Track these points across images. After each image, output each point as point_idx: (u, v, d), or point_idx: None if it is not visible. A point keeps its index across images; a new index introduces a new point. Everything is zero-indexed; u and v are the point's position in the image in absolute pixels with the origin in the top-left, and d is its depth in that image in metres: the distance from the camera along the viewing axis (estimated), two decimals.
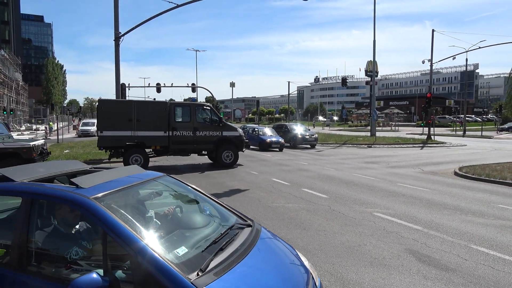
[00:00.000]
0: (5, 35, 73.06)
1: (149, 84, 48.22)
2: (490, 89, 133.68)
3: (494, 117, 72.69)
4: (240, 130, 16.78)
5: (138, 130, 14.24)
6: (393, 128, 56.80)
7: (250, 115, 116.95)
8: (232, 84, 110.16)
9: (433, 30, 27.59)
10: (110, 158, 15.04)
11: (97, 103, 15.34)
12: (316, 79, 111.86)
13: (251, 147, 25.18)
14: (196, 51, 71.33)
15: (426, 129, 42.10)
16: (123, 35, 17.22)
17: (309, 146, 25.72)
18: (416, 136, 34.04)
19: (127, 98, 27.33)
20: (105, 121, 14.12)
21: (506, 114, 53.45)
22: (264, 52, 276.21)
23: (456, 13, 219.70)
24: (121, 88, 17.73)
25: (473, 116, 78.10)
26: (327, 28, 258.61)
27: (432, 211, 8.04)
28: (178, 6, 15.46)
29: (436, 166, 15.66)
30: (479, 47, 32.92)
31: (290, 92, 65.18)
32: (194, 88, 49.65)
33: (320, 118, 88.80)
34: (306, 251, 5.52)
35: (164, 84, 45.59)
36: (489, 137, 36.86)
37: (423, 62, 28.10)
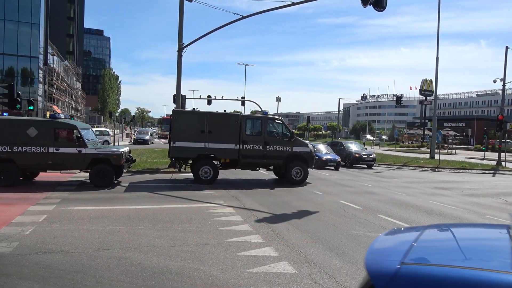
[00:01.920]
0: (69, 47, 78.08)
1: (200, 96, 49.25)
2: None
3: None
4: (311, 146, 16.12)
5: (210, 142, 13.98)
6: (449, 151, 53.47)
7: (295, 130, 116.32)
8: (278, 99, 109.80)
9: (506, 47, 25.54)
10: (180, 169, 15.03)
11: (170, 114, 15.32)
12: (364, 97, 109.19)
13: None
14: (245, 65, 71.92)
15: (487, 153, 39.32)
16: (186, 46, 17.27)
17: (365, 166, 24.43)
18: (476, 161, 31.50)
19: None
20: (178, 132, 13.96)
21: None
22: (309, 69, 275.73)
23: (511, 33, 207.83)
24: (181, 99, 17.68)
25: None
26: (374, 45, 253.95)
27: None
28: (243, 17, 15.25)
29: None
30: None
31: (334, 110, 63.81)
32: (243, 101, 49.79)
33: (368, 136, 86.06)
34: None
35: (215, 96, 46.10)
36: None
37: (495, 81, 26.04)
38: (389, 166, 25.48)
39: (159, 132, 71.18)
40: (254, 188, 13.61)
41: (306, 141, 17.04)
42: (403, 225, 8.62)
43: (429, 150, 33.71)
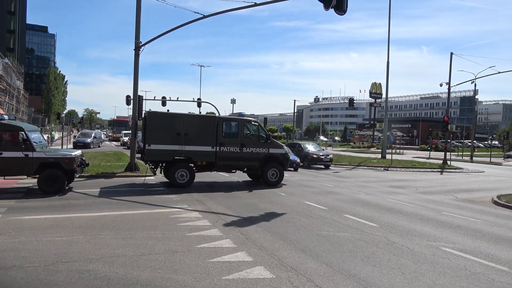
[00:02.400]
0: (10, 43, 72.46)
1: (154, 97, 47.24)
2: (488, 115, 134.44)
3: (496, 143, 72.53)
4: (286, 148, 16.10)
5: (186, 144, 13.65)
6: (397, 151, 56.15)
7: None
8: (233, 101, 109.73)
9: (451, 53, 27.33)
10: (154, 173, 14.58)
11: (144, 115, 14.85)
12: (316, 99, 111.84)
13: None
14: (201, 66, 71.15)
15: (432, 153, 41.87)
16: (144, 44, 16.52)
17: (323, 166, 24.90)
18: (423, 160, 33.35)
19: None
20: (153, 134, 13.39)
21: (511, 142, 53.20)
22: (263, 71, 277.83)
23: (451, 40, 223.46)
24: (138, 100, 16.91)
25: (475, 141, 77.90)
26: (325, 49, 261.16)
27: (506, 248, 7.20)
28: (205, 16, 14.85)
29: (469, 194, 14.88)
30: (488, 74, 32.53)
31: (288, 112, 64.80)
32: (199, 103, 49.05)
33: (322, 137, 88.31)
34: None
35: (170, 97, 44.94)
36: (499, 164, 36.30)
37: (441, 85, 27.72)
38: (345, 166, 26.18)
39: (110, 134, 68.14)
40: (217, 191, 13.30)
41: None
42: (369, 224, 8.78)
43: (379, 150, 35.16)
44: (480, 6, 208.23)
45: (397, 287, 5.09)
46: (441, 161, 28.78)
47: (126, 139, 40.94)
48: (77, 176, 13.11)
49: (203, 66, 72.80)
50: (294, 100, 60.79)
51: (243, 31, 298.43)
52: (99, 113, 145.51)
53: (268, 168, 14.69)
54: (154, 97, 44.41)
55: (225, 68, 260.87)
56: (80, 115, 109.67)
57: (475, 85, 41.57)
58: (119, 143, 50.53)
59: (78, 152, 12.95)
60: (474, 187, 17.14)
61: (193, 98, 48.84)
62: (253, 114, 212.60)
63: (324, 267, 5.76)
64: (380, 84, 68.57)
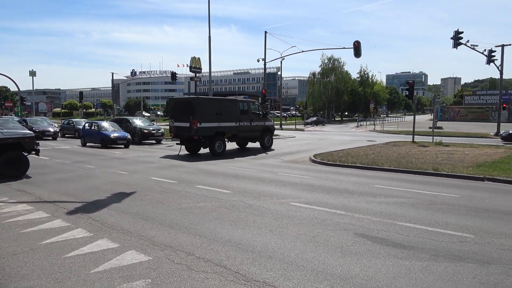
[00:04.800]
0: None
1: None
2: (288, 90, 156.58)
3: (296, 113, 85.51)
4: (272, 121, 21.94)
5: (222, 121, 17.23)
6: None
7: (59, 109, 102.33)
8: (33, 73, 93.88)
9: (265, 32, 30.11)
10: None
11: (188, 99, 19.20)
12: (133, 73, 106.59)
13: (88, 144, 22.05)
14: None
15: None
16: None
17: (155, 141, 24.19)
18: None
19: None
20: (203, 115, 16.53)
21: (309, 111, 63.63)
22: (66, 40, 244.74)
23: (254, 21, 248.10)
24: None
25: (280, 112, 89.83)
26: (137, 20, 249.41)
27: (336, 196, 8.61)
28: None
29: (291, 156, 17.09)
30: (292, 53, 37.56)
31: (102, 86, 60.02)
32: None
33: (144, 113, 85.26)
34: (283, 255, 5.01)
35: None
36: (302, 130, 43.06)
37: (258, 60, 30.32)
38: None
39: None
40: (43, 176, 11.20)
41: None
42: (223, 191, 9.05)
43: None
44: None
45: (269, 243, 5.44)
46: None
47: None
48: None
49: None
50: (112, 73, 56.30)
51: None
52: None
53: (264, 136, 19.53)
54: None
55: (16, 34, 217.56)
56: None
57: (281, 62, 47.51)
58: None
59: None
60: (293, 150, 19.80)
61: None
62: (59, 89, 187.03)
63: (198, 239, 5.64)
64: (199, 58, 70.05)
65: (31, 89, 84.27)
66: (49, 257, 4.92)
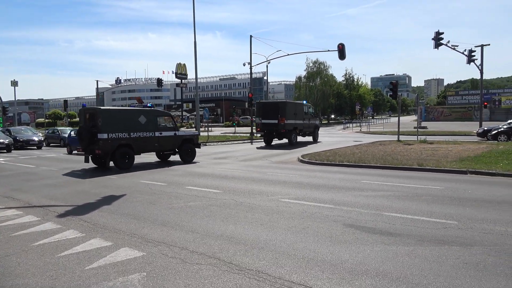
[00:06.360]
0: None
1: None
2: (275, 94, 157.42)
3: None
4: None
5: (297, 119, 23.83)
6: (206, 128, 59.43)
7: (43, 119, 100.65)
8: (15, 83, 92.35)
9: (251, 36, 30.42)
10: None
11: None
12: (118, 80, 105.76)
13: (74, 152, 21.85)
14: None
15: (237, 128, 46.37)
16: None
17: None
18: (231, 134, 36.75)
19: None
20: (289, 115, 22.74)
21: None
22: (49, 49, 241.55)
23: (240, 27, 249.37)
24: None
25: None
26: (121, 28, 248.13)
27: (324, 192, 8.78)
28: None
29: (279, 157, 17.23)
30: (277, 57, 38.04)
31: (85, 96, 59.54)
32: None
33: None
34: (274, 246, 5.13)
35: None
36: None
37: (244, 64, 30.51)
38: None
39: None
40: (29, 182, 11.10)
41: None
42: (213, 191, 9.13)
43: (193, 128, 36.40)
44: None
45: (261, 236, 5.56)
46: (248, 134, 32.15)
47: None
48: None
49: None
50: (97, 81, 55.99)
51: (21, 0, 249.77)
52: None
53: (311, 133, 25.78)
54: None
55: None
56: None
57: (267, 66, 47.87)
58: None
59: None
60: (280, 152, 19.96)
61: None
62: (42, 99, 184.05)
63: (191, 234, 5.73)
64: (184, 64, 70.12)
65: (13, 99, 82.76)
66: (43, 256, 4.95)
